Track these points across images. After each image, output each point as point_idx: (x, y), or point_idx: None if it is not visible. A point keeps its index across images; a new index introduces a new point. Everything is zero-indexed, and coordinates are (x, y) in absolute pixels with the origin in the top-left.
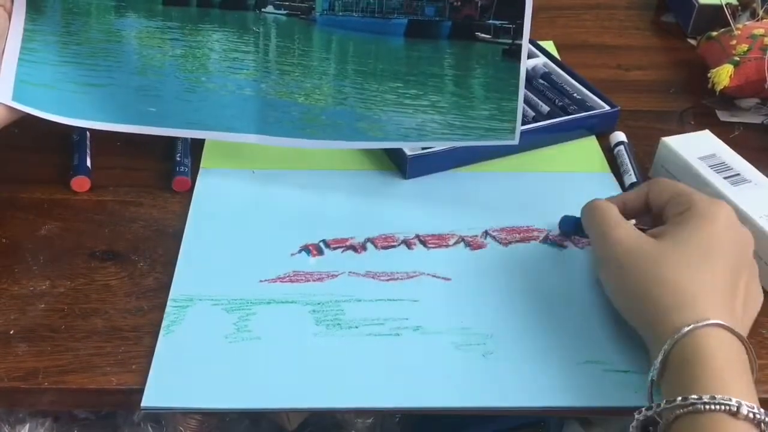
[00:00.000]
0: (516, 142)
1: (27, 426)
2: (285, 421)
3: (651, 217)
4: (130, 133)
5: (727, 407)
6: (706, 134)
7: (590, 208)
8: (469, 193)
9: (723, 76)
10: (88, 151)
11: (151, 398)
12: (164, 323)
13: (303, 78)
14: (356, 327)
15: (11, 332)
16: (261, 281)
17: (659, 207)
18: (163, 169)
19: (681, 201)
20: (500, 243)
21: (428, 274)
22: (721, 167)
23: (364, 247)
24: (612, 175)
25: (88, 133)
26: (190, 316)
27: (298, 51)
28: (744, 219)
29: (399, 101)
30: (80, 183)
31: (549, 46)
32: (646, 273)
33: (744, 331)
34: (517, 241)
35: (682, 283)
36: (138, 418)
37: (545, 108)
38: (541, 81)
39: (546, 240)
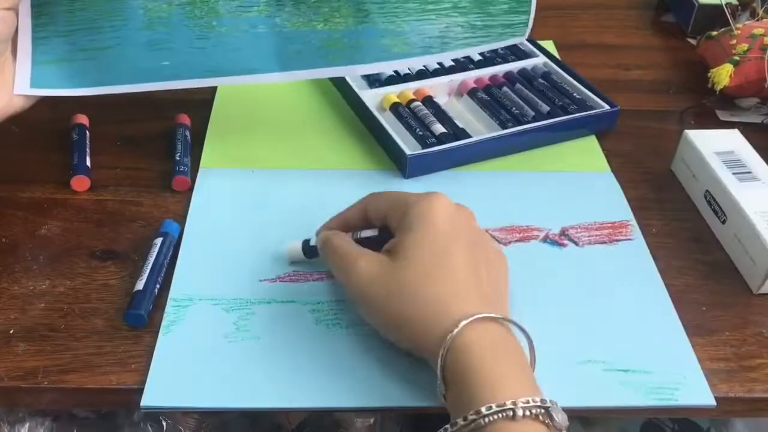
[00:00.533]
0: (525, 36)
1: (27, 425)
2: (285, 421)
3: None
4: (149, 91)
5: (504, 413)
6: (734, 132)
7: (324, 245)
8: (469, 193)
9: (723, 75)
10: (88, 150)
11: (151, 398)
12: (164, 323)
13: (319, 4)
14: (356, 327)
15: (11, 332)
16: (261, 281)
17: (381, 220)
18: (163, 169)
19: (399, 208)
20: (500, 242)
21: None
22: (734, 164)
23: None
24: (612, 174)
25: (88, 132)
26: (189, 316)
27: None
28: (739, 213)
29: (421, 8)
30: (80, 183)
31: (549, 45)
32: (393, 294)
33: (503, 306)
34: (517, 241)
35: (428, 294)
36: (138, 418)
37: (545, 107)
38: (541, 81)
39: (546, 239)
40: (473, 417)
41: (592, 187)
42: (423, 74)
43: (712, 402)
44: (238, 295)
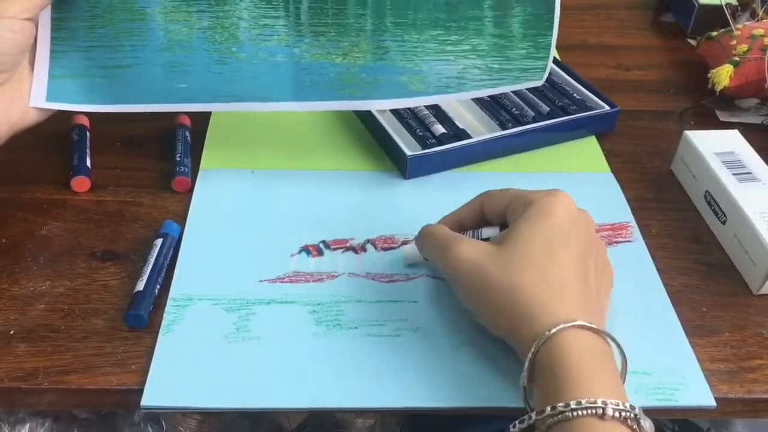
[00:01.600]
0: (542, 81)
1: (27, 426)
2: (285, 421)
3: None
4: (162, 111)
5: (594, 410)
6: (733, 133)
7: (422, 235)
8: (469, 193)
9: (723, 76)
10: (88, 151)
11: (151, 398)
12: (164, 322)
13: (339, 37)
14: (356, 327)
15: (11, 332)
16: (261, 281)
17: (499, 217)
18: (163, 169)
19: (519, 203)
20: None
21: (428, 276)
22: (734, 164)
23: (363, 249)
24: (612, 174)
25: (88, 133)
26: (189, 316)
27: (332, 10)
28: (739, 214)
29: (441, 49)
30: (80, 183)
31: None
32: (495, 283)
33: (602, 318)
34: None
35: (531, 287)
36: (138, 418)
37: (545, 108)
38: None
39: None
40: (562, 408)
41: (592, 188)
42: None
43: (712, 403)
44: (238, 296)
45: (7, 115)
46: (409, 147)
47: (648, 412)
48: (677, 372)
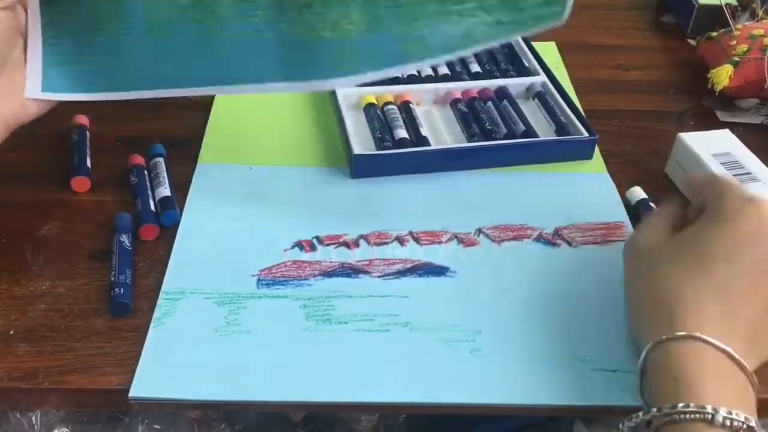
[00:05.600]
0: (564, 19)
1: (38, 412)
2: (291, 413)
3: None
4: (153, 98)
5: (702, 415)
6: (725, 133)
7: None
8: (464, 192)
9: (723, 76)
10: (88, 151)
11: (139, 389)
12: (155, 315)
13: (324, 9)
14: (346, 323)
15: (11, 332)
16: (253, 276)
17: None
18: None
19: (717, 196)
20: (493, 241)
21: (419, 271)
22: (732, 165)
23: (357, 244)
24: (608, 175)
25: (88, 133)
26: (181, 309)
27: None
28: None
29: (443, 9)
30: (80, 183)
31: (551, 46)
32: (643, 273)
33: (751, 348)
34: (510, 239)
35: (672, 288)
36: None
37: (521, 128)
38: (534, 100)
39: (539, 238)
40: (668, 410)
41: (588, 188)
42: (414, 79)
43: None
44: (230, 289)
45: (2, 108)
46: (364, 147)
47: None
48: None
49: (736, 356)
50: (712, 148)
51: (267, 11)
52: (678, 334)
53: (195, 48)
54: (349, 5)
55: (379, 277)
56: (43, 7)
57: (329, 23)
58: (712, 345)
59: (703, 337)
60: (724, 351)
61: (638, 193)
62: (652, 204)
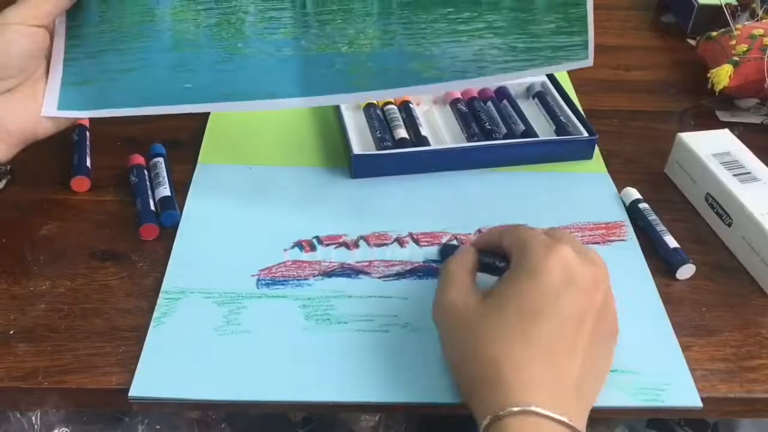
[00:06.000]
0: (590, 61)
1: (38, 411)
2: (290, 413)
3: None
4: (168, 114)
5: None
6: (725, 133)
7: (442, 268)
8: (464, 192)
9: (722, 76)
10: (88, 151)
11: (139, 389)
12: (155, 315)
13: (345, 25)
14: (345, 323)
15: (11, 332)
16: (253, 275)
17: (507, 252)
18: None
19: (516, 250)
20: None
21: (419, 273)
22: (732, 165)
23: (356, 244)
24: (608, 175)
25: (88, 133)
26: (181, 309)
27: None
28: (746, 216)
29: (452, 28)
30: (80, 183)
31: None
32: (463, 342)
33: (577, 403)
34: None
35: (496, 358)
36: (139, 419)
37: (521, 128)
38: (533, 100)
39: None
40: None
41: (588, 188)
42: None
43: (698, 403)
44: (229, 289)
45: (19, 123)
46: (364, 147)
47: (635, 411)
48: (665, 372)
49: (572, 424)
50: (712, 147)
51: (290, 29)
52: (513, 410)
53: (216, 65)
54: (366, 22)
55: (379, 278)
56: (69, 29)
57: (347, 38)
58: (548, 418)
59: (539, 411)
60: (560, 422)
61: (632, 193)
62: (645, 204)
